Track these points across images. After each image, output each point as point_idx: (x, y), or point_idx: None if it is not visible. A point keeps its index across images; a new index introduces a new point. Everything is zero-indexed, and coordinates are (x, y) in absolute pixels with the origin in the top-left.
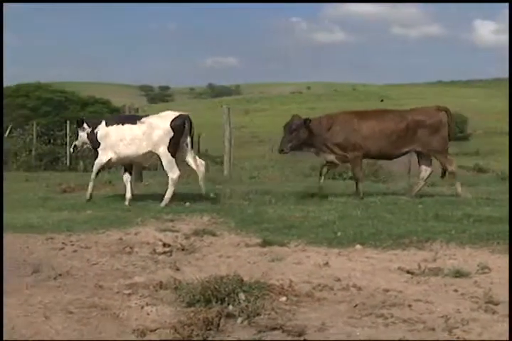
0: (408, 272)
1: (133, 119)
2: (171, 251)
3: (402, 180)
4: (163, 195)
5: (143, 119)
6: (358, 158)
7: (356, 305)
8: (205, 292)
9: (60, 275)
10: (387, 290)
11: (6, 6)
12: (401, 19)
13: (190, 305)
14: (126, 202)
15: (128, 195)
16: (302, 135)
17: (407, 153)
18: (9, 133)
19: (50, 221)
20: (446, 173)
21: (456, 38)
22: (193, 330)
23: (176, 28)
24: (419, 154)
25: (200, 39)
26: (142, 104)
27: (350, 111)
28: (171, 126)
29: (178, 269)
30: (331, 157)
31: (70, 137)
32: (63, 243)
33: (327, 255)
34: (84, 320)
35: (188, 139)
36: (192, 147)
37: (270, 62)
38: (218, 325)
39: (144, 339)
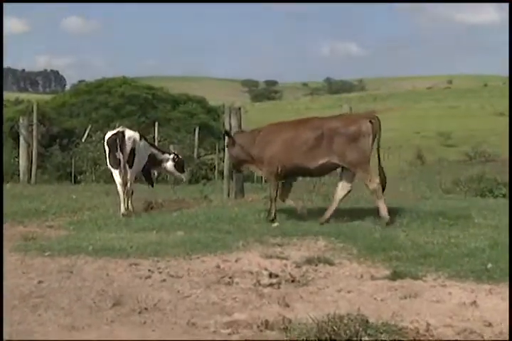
0: None
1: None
2: (278, 283)
3: None
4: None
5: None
6: (273, 173)
7: None
8: (321, 334)
9: (146, 309)
10: None
11: None
12: None
13: None
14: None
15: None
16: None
17: (327, 166)
18: (87, 137)
19: (134, 243)
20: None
21: None
22: None
23: (285, 9)
24: (342, 168)
25: (314, 23)
26: (245, 102)
27: (277, 122)
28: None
29: (287, 305)
30: (260, 173)
31: (159, 142)
32: (150, 270)
33: (474, 292)
34: None
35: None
36: None
37: (401, 49)
38: None
39: None
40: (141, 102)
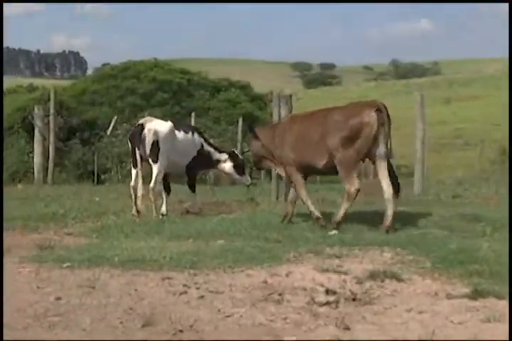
0: None
1: None
2: (336, 302)
3: None
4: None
5: None
6: (293, 172)
7: None
8: None
9: (181, 331)
10: None
11: None
12: None
13: None
14: None
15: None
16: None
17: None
18: (112, 129)
19: (167, 253)
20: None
21: None
22: None
23: None
24: (372, 161)
25: None
26: (296, 88)
27: (298, 113)
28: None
29: (347, 328)
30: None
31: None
32: (185, 285)
33: None
34: None
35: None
36: None
37: (483, 27)
38: None
39: None
40: (174, 89)
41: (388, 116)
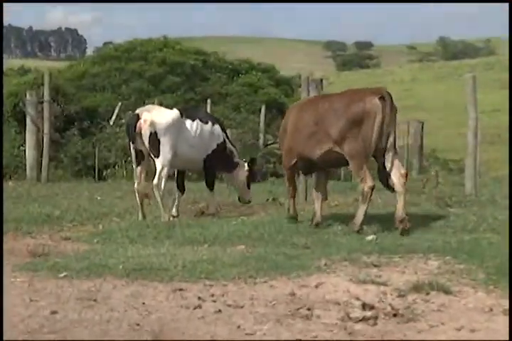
0: None
1: None
2: (374, 317)
3: None
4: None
5: None
6: (286, 166)
7: None
8: None
9: None
10: None
11: None
12: None
13: None
14: None
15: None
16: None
17: (331, 156)
18: (116, 118)
19: (178, 262)
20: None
21: None
22: None
23: None
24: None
25: None
26: (328, 70)
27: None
28: None
29: None
30: None
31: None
32: (200, 298)
33: None
34: None
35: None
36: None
37: None
38: None
39: None
40: (187, 72)
41: (393, 106)
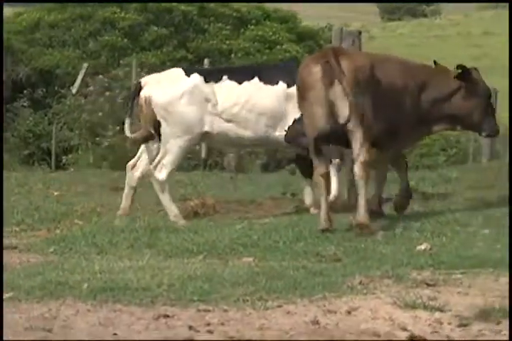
0: None
1: None
2: None
3: None
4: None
5: None
6: None
7: None
8: None
9: None
10: None
11: None
12: None
13: None
14: None
15: None
16: None
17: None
18: (81, 84)
19: (163, 278)
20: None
21: None
22: None
23: None
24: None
25: None
26: (369, 21)
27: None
28: None
29: None
30: None
31: None
32: (191, 327)
33: None
34: None
35: None
36: None
37: None
38: None
39: None
40: (176, 21)
41: (351, 71)
